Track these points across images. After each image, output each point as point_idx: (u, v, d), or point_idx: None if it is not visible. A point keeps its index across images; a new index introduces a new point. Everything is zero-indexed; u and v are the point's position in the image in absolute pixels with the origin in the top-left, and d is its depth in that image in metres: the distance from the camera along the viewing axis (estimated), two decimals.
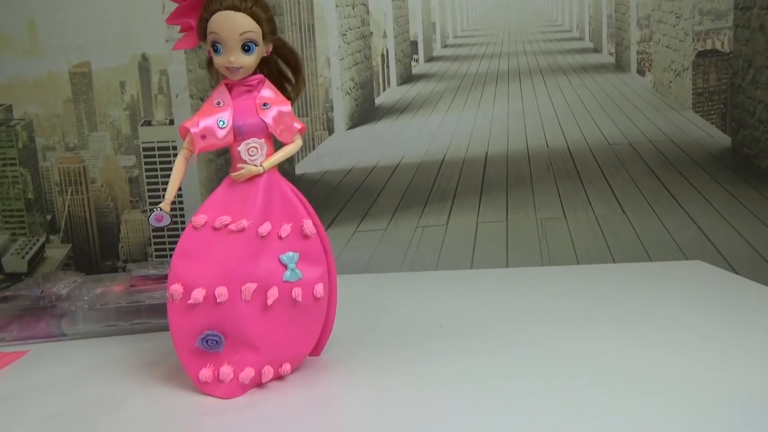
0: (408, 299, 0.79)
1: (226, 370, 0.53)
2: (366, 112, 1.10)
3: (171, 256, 1.08)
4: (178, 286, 0.52)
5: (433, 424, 0.48)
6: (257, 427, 0.49)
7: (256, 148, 0.54)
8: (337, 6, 1.06)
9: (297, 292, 0.54)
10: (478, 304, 0.78)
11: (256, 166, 0.54)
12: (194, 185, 1.06)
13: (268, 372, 0.54)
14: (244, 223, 0.53)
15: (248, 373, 0.53)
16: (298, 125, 0.57)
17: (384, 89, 1.12)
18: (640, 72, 1.10)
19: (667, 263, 0.98)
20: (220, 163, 1.07)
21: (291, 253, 0.55)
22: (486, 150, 1.10)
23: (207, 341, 0.52)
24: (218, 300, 0.51)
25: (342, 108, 1.09)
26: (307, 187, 1.09)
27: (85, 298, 0.75)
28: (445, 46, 1.12)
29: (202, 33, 0.54)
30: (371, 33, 1.10)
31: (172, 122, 1.06)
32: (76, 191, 1.08)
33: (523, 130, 1.09)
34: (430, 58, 1.12)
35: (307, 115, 1.09)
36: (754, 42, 1.06)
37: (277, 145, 0.57)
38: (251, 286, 0.52)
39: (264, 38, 0.54)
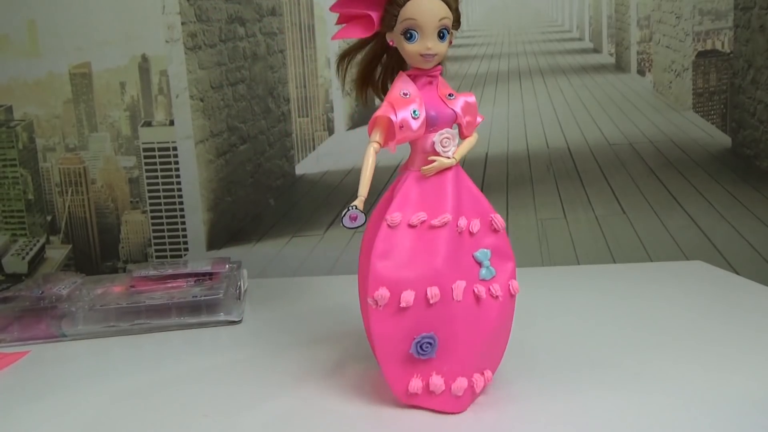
0: None
1: (437, 381, 0.49)
2: (366, 113, 1.10)
3: (171, 257, 1.08)
4: (384, 290, 0.48)
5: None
6: None
7: (449, 138, 0.51)
8: None
9: (496, 289, 0.51)
10: None
11: (448, 158, 0.51)
12: (194, 186, 1.06)
13: (479, 381, 0.50)
14: (448, 217, 0.49)
15: (461, 384, 0.49)
16: (480, 118, 0.54)
17: None
18: (640, 72, 1.10)
19: (667, 263, 0.98)
20: (220, 164, 1.07)
21: (484, 250, 0.51)
22: (486, 150, 1.10)
23: (421, 346, 0.48)
24: (431, 301, 0.48)
25: (342, 109, 1.09)
26: (307, 188, 1.09)
27: (86, 298, 0.75)
28: None
29: (389, 20, 0.51)
30: None
31: (172, 123, 1.06)
32: (76, 192, 1.08)
33: (524, 131, 1.09)
34: None
35: (307, 116, 1.09)
36: (754, 42, 1.06)
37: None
38: (461, 284, 0.49)
39: (452, 26, 0.52)
